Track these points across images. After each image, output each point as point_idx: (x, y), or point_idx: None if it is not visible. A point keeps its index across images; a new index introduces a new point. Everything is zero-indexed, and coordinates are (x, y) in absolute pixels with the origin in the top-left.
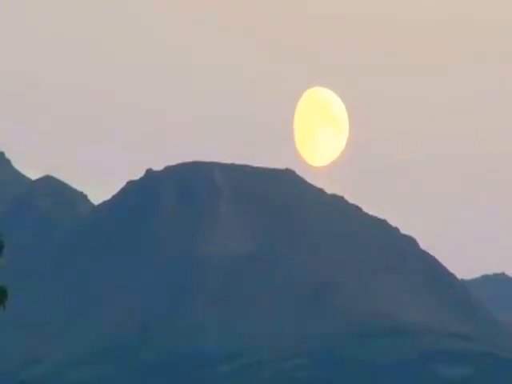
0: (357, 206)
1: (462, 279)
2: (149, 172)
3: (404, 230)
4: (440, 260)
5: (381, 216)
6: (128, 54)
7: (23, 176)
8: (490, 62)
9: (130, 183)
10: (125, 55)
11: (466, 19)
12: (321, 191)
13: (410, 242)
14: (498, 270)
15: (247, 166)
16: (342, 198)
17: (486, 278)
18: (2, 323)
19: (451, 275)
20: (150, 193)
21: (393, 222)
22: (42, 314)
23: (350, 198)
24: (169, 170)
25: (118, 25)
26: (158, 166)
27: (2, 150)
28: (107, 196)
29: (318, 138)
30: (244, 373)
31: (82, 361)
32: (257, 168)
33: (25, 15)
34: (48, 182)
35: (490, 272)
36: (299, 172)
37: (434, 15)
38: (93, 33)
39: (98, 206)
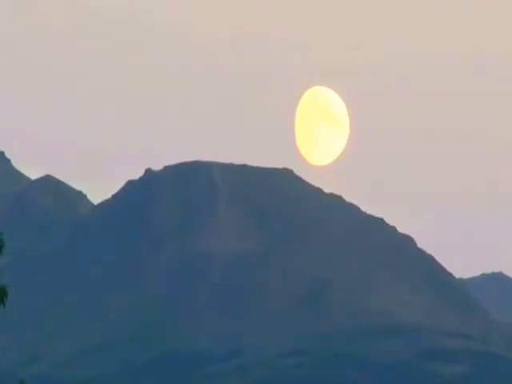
0: (355, 205)
1: (460, 278)
2: (148, 172)
3: (401, 229)
4: (437, 259)
5: (378, 215)
6: (127, 54)
7: (23, 175)
8: (490, 59)
9: (130, 183)
10: (124, 56)
11: (466, 19)
12: (319, 190)
13: (408, 240)
14: (496, 269)
15: (246, 166)
16: (340, 197)
17: (483, 277)
18: (1, 322)
19: (449, 274)
20: (150, 192)
21: (390, 221)
22: (42, 313)
23: (348, 197)
24: (168, 169)
25: (117, 25)
26: (158, 166)
27: (2, 149)
28: (107, 196)
29: (318, 138)
30: (243, 371)
31: (81, 360)
32: (255, 168)
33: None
34: (48, 181)
35: (487, 271)
36: (298, 171)
37: (434, 15)
38: (93, 36)
39: (98, 205)
